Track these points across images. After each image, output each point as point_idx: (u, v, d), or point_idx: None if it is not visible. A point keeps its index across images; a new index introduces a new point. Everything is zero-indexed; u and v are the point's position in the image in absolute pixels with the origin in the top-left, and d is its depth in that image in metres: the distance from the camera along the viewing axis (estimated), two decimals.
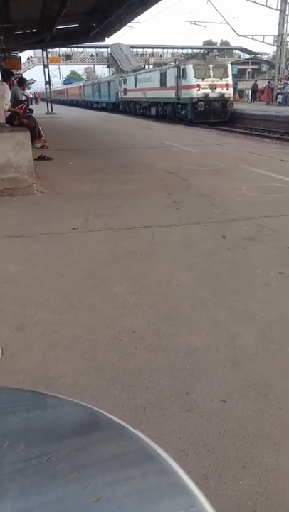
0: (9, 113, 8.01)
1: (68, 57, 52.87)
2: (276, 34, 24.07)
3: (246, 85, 31.45)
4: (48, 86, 26.54)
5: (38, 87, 59.40)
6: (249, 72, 41.94)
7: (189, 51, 48.12)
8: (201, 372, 2.00)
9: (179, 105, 19.69)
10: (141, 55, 56.10)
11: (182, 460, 1.48)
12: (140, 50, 56.96)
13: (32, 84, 37.75)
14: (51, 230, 4.13)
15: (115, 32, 15.63)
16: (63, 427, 0.69)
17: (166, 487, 0.58)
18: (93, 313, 2.56)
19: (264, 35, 26.45)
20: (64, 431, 0.68)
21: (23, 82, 10.96)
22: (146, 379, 1.95)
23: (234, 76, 24.24)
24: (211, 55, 20.19)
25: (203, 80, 18.36)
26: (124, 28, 15.54)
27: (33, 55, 47.03)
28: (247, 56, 48.93)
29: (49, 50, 27.63)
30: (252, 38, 26.18)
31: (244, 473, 1.46)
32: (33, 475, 0.58)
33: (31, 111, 10.14)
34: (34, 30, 15.11)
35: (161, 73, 21.92)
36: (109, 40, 21.24)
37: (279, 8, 23.43)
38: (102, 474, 0.58)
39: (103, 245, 3.70)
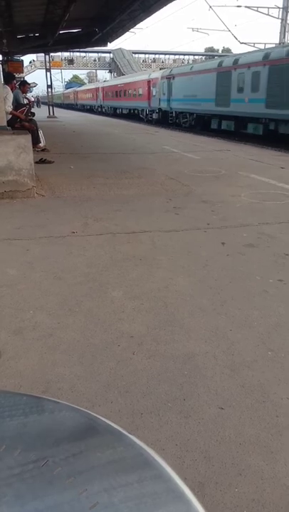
0: (11, 116, 8.04)
1: (71, 61, 53.04)
2: (277, 42, 24.23)
3: None
4: (49, 90, 26.71)
5: (39, 90, 59.47)
6: None
7: (191, 58, 48.50)
8: (199, 378, 1.99)
9: None
10: (143, 60, 56.45)
11: (179, 467, 1.48)
12: (142, 56, 57.32)
13: (34, 88, 37.80)
14: (50, 233, 4.13)
15: (117, 37, 15.78)
16: (60, 431, 0.69)
17: (162, 493, 0.58)
18: (91, 317, 2.56)
19: (265, 43, 26.64)
20: (61, 436, 0.68)
21: (24, 85, 10.98)
22: (144, 385, 1.94)
23: None
24: None
25: None
26: (127, 34, 15.69)
27: (35, 59, 47.23)
28: None
29: (51, 54, 27.82)
30: (253, 46, 26.35)
31: (240, 480, 1.45)
32: (30, 480, 0.57)
33: (33, 114, 10.18)
34: (37, 35, 15.23)
35: None
36: (111, 45, 21.36)
37: (280, 17, 23.63)
38: (98, 480, 0.58)
39: (102, 249, 3.70)
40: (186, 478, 1.40)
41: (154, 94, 22.01)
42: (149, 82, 22.79)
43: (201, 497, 1.38)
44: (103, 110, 35.23)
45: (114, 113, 31.98)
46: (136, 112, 26.01)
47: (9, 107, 7.83)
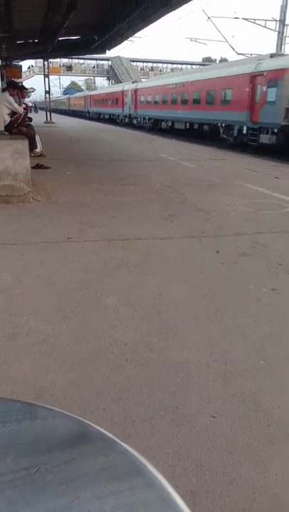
0: (8, 121, 8.09)
1: (69, 68, 53.23)
2: None
3: None
4: (47, 95, 26.89)
5: (37, 95, 59.51)
6: None
7: (189, 67, 48.95)
8: (192, 387, 1.99)
9: None
10: (141, 68, 56.88)
11: (170, 475, 1.48)
12: (140, 64, 57.75)
13: (32, 93, 37.76)
14: (46, 238, 4.13)
15: (116, 45, 15.90)
16: (53, 438, 0.69)
17: (154, 502, 0.58)
18: (85, 324, 2.56)
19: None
20: (53, 443, 0.68)
21: (22, 90, 10.95)
22: (137, 392, 1.94)
23: None
24: None
25: None
26: (125, 42, 15.79)
27: (34, 64, 47.38)
28: None
29: (50, 60, 27.92)
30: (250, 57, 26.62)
31: (231, 489, 1.45)
32: (22, 487, 0.58)
33: (30, 119, 10.20)
34: (36, 41, 15.30)
35: None
36: (110, 53, 20.31)
37: (277, 29, 23.94)
38: (90, 487, 0.58)
39: (97, 256, 3.71)
40: (177, 486, 1.40)
41: None
42: None
43: (192, 506, 1.37)
44: (134, 122, 25.89)
45: (155, 127, 21.78)
46: (219, 128, 15.47)
47: (21, 105, 8.21)
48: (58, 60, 45.96)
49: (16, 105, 8.56)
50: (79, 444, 0.69)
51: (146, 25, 12.26)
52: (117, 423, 1.74)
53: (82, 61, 55.33)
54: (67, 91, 70.10)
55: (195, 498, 1.41)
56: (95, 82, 68.26)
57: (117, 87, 30.84)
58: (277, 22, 24.02)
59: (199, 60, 63.51)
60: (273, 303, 2.91)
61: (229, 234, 4.45)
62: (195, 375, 2.08)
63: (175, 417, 1.79)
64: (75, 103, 46.59)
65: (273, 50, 24.17)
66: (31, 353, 2.24)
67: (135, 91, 25.26)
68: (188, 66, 53.24)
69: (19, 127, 8.50)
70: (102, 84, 62.39)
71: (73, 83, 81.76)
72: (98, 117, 35.17)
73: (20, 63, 20.30)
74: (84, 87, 72.07)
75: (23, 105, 10.83)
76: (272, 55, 14.40)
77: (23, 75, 28.93)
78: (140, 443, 1.62)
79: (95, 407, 1.84)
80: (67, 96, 56.49)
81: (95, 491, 0.57)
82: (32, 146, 8.73)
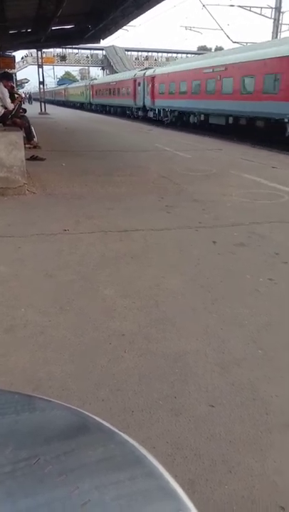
0: (2, 112, 8.02)
1: (63, 57, 52.55)
2: None
3: None
4: (41, 86, 26.63)
5: (31, 86, 58.79)
6: None
7: (184, 56, 48.43)
8: (190, 376, 2.00)
9: None
10: (135, 58, 56.30)
11: (169, 464, 1.49)
12: (135, 53, 57.17)
13: (26, 84, 37.24)
14: (42, 231, 4.11)
15: (110, 34, 15.68)
16: (52, 429, 0.69)
17: (153, 491, 0.58)
18: (82, 315, 2.56)
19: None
20: (52, 434, 0.68)
21: (9, 78, 10.20)
22: (135, 383, 1.95)
23: None
24: None
25: None
26: (120, 31, 15.59)
27: (27, 55, 46.72)
28: None
29: (44, 50, 27.57)
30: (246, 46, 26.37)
31: (230, 478, 1.47)
32: (21, 478, 0.58)
33: (24, 111, 10.07)
34: (29, 30, 15.07)
35: None
36: (104, 42, 19.81)
37: (273, 17, 23.72)
38: (90, 478, 0.58)
39: (94, 247, 3.69)
40: (176, 475, 1.40)
41: None
42: None
43: (191, 494, 1.38)
44: None
45: None
46: None
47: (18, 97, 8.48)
48: (51, 50, 45.34)
49: (8, 100, 8.38)
50: (78, 434, 0.69)
51: (141, 13, 12.09)
52: (116, 413, 1.75)
53: (76, 51, 54.54)
54: (62, 81, 69.38)
55: (194, 486, 1.43)
56: (89, 72, 67.63)
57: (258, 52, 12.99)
58: (273, 9, 23.79)
59: (195, 48, 62.92)
60: (270, 293, 2.92)
61: (226, 224, 4.44)
62: (193, 365, 2.09)
63: (174, 407, 1.80)
64: (105, 92, 28.30)
65: (269, 38, 23.98)
66: (29, 345, 2.24)
67: None
68: (184, 55, 52.72)
69: (13, 119, 8.41)
70: (97, 74, 61.70)
71: (67, 73, 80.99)
72: (183, 120, 18.14)
73: (13, 53, 20.04)
74: (78, 78, 71.34)
75: (17, 96, 10.67)
76: None
77: (17, 66, 28.56)
78: (139, 433, 1.63)
79: (93, 398, 1.84)
80: (85, 82, 38.20)
81: (95, 481, 0.57)
82: (29, 136, 8.65)
